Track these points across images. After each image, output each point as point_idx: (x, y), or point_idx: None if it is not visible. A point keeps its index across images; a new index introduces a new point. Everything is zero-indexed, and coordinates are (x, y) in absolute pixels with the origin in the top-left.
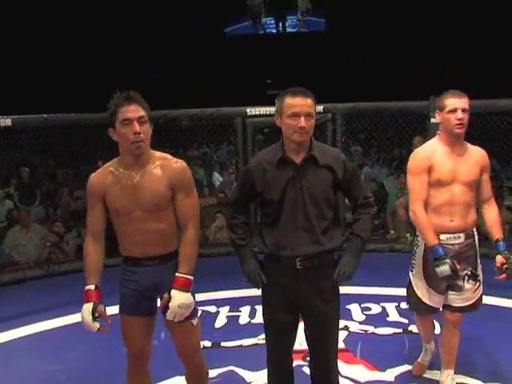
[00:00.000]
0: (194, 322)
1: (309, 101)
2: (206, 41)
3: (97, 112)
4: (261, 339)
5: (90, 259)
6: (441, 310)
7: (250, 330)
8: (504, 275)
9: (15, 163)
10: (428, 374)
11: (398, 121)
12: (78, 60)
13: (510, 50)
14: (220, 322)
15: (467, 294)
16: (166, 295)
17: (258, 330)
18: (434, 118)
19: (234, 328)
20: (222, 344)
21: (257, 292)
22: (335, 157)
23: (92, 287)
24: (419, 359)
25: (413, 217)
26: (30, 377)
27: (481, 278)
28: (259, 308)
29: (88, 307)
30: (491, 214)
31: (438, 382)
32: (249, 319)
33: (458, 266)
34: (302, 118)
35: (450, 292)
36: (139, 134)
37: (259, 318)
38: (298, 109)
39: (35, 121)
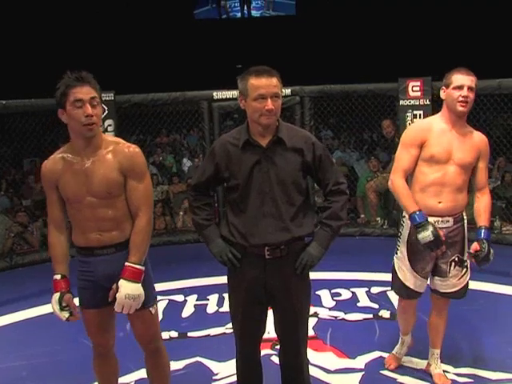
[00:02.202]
0: (153, 310)
1: (274, 80)
2: (174, 24)
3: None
4: (229, 328)
5: (54, 249)
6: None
7: (217, 318)
8: (473, 260)
9: None
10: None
11: (368, 103)
12: (36, 43)
13: (483, 30)
14: (187, 311)
15: (452, 280)
16: (114, 285)
17: (226, 319)
18: (403, 100)
19: (201, 317)
20: (189, 334)
21: (225, 280)
22: (304, 138)
23: (58, 277)
24: (394, 351)
25: (391, 186)
26: None
27: (468, 264)
28: (227, 296)
29: (55, 297)
30: (482, 202)
31: (410, 368)
32: (217, 308)
33: (441, 233)
34: (269, 100)
35: (436, 277)
36: (92, 116)
37: (227, 307)
38: (264, 90)
39: None
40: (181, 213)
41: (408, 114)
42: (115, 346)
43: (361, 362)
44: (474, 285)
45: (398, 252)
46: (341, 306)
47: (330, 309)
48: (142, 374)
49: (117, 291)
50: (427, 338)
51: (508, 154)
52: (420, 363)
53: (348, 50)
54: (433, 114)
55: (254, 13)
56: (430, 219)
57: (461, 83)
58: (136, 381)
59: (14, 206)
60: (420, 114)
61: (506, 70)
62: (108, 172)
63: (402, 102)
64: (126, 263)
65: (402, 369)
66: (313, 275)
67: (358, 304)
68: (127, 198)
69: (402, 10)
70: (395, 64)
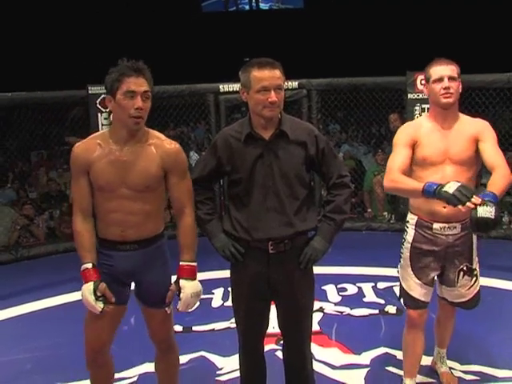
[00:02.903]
0: (168, 310)
1: (277, 72)
2: (181, 16)
3: (63, 89)
4: (233, 323)
5: (82, 238)
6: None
7: (222, 313)
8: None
9: None
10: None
11: (375, 96)
12: (41, 36)
13: (489, 25)
14: None
15: (461, 290)
16: (172, 286)
17: (231, 313)
18: (412, 93)
19: (206, 311)
20: (194, 328)
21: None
22: (307, 131)
23: (89, 266)
24: None
25: (389, 186)
26: None
27: (478, 272)
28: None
29: (88, 287)
30: (493, 176)
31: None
32: (222, 302)
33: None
34: (272, 92)
35: (444, 286)
36: (141, 109)
37: None
38: (267, 82)
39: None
40: None
41: (416, 108)
42: (121, 339)
43: (366, 357)
44: (482, 281)
45: (402, 260)
46: (347, 301)
47: (335, 304)
48: (145, 368)
49: (178, 292)
50: (433, 335)
51: None
52: (426, 360)
53: (356, 43)
54: None
55: (263, 5)
56: (436, 226)
57: (440, 75)
58: (140, 375)
59: (20, 199)
60: (428, 108)
61: None
62: (148, 165)
63: (410, 96)
64: (182, 262)
65: None
66: (319, 270)
67: (364, 299)
68: (170, 196)
69: (410, 3)
70: (403, 57)
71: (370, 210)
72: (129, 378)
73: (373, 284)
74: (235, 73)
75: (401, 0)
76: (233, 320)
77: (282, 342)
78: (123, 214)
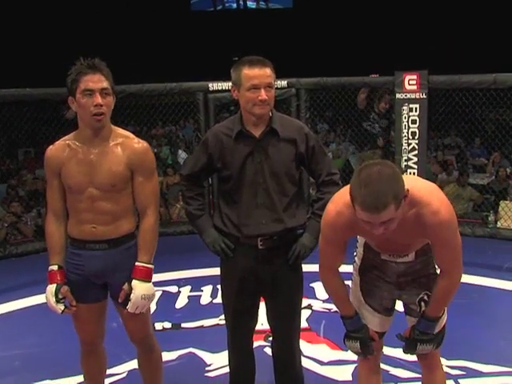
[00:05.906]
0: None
1: (268, 71)
2: (170, 14)
3: (53, 87)
4: (222, 319)
5: (52, 239)
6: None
7: (211, 309)
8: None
9: None
10: (391, 352)
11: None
12: (31, 32)
13: (477, 24)
14: (181, 302)
15: None
16: (125, 286)
17: (220, 310)
18: (400, 93)
19: (195, 308)
20: (183, 325)
21: (219, 271)
22: (297, 129)
23: (55, 268)
24: None
25: (323, 282)
26: None
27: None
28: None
29: (51, 289)
30: (436, 287)
31: (402, 360)
32: (210, 299)
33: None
34: (263, 91)
35: (407, 317)
36: (101, 105)
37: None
38: (258, 80)
39: None
40: (177, 205)
41: (404, 108)
42: (110, 336)
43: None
44: (468, 278)
45: (352, 283)
46: None
47: (323, 301)
48: (135, 364)
49: (129, 292)
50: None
51: (503, 148)
52: (411, 355)
53: (345, 42)
54: (429, 109)
55: (250, 4)
56: (384, 256)
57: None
58: (129, 371)
59: (8, 196)
60: (416, 108)
61: (501, 64)
62: (114, 165)
63: (398, 96)
64: (137, 263)
65: (394, 361)
66: (307, 267)
67: None
68: (135, 195)
69: (399, 3)
70: (391, 57)
71: None
72: (118, 374)
73: None
74: (224, 71)
75: (389, 0)
76: (222, 317)
77: (270, 338)
78: (94, 214)
